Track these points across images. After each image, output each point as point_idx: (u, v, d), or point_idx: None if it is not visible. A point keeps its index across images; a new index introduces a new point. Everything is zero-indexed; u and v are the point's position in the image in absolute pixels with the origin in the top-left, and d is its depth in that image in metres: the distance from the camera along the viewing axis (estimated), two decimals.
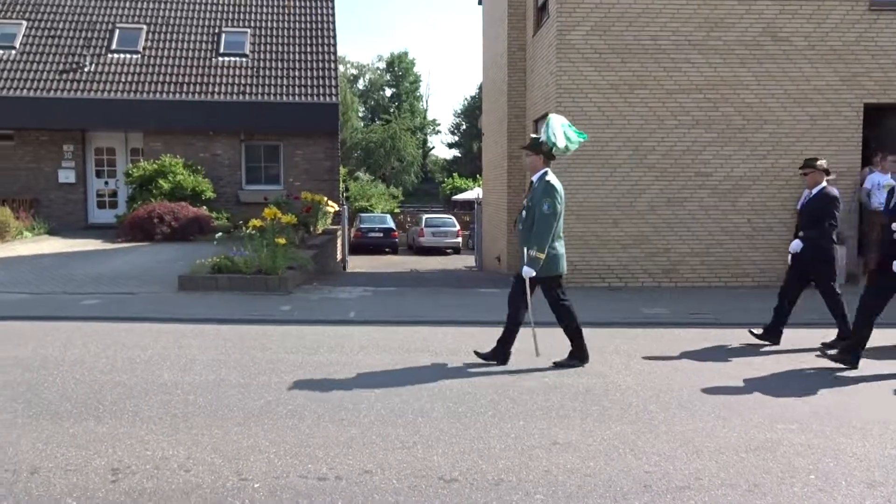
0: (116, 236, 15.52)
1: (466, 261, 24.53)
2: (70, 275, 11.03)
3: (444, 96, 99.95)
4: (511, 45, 15.02)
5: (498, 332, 7.60)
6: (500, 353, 6.33)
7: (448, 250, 30.42)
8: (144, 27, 20.23)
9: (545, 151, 6.24)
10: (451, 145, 68.26)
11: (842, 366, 6.27)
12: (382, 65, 68.76)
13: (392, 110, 62.69)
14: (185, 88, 18.82)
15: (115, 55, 19.41)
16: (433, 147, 68.88)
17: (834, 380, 5.95)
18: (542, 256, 6.05)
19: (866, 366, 6.33)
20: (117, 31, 19.94)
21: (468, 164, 57.53)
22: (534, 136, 6.38)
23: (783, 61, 11.52)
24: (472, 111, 60.69)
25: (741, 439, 4.46)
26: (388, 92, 68.38)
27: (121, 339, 7.12)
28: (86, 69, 18.81)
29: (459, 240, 31.15)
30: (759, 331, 7.39)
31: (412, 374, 6.00)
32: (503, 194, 15.51)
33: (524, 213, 6.28)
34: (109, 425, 4.57)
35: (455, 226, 31.82)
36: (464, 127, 65.06)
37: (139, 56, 19.50)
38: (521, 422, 4.75)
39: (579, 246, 11.50)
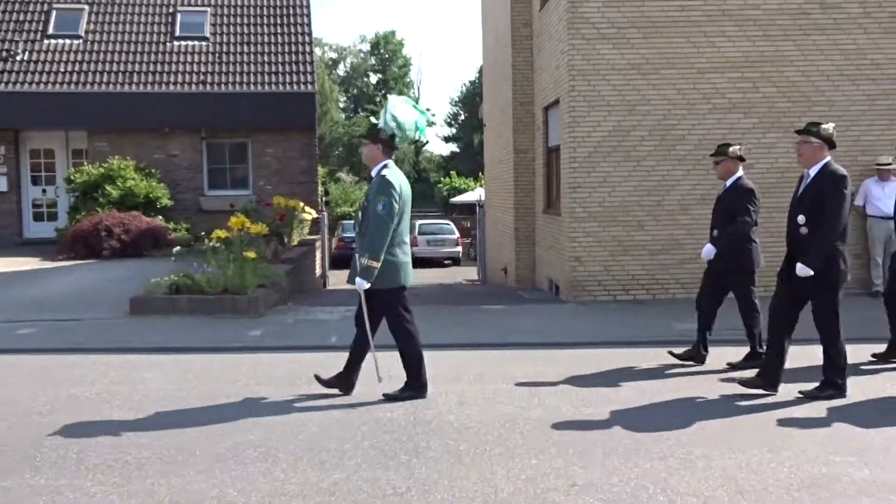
0: (57, 253, 15.52)
1: (468, 273, 24.56)
2: (2, 300, 11.03)
3: (438, 82, 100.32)
4: (515, 22, 15.08)
5: (505, 354, 7.58)
6: (345, 381, 6.24)
7: (446, 261, 30.47)
8: (86, 7, 20.32)
9: (383, 140, 6.13)
10: (447, 139, 68.50)
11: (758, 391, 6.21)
12: (366, 47, 69.09)
13: (378, 99, 62.83)
14: (135, 78, 18.89)
15: (53, 41, 19.48)
16: (427, 142, 69.00)
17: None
18: (377, 265, 5.88)
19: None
20: (54, 13, 20.02)
21: (468, 160, 57.65)
22: (373, 121, 6.24)
23: (834, 32, 11.57)
24: (471, 99, 60.88)
25: (793, 475, 4.46)
26: (374, 78, 68.66)
27: (63, 375, 7.10)
28: (18, 58, 18.87)
29: (459, 249, 31.21)
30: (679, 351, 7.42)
31: (405, 407, 5.98)
32: (510, 195, 15.54)
33: (360, 213, 6.23)
34: (49, 476, 4.55)
35: (454, 233, 31.88)
36: (462, 117, 65.28)
37: (81, 41, 19.58)
38: (534, 460, 4.74)
39: (598, 253, 11.51)
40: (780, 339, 6.24)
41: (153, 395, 6.29)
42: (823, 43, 11.59)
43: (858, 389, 6.29)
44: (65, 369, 7.26)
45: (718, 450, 4.92)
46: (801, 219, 6.17)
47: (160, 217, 16.87)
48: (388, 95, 6.40)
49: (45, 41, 19.46)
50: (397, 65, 68.16)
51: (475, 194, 34.93)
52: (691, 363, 7.32)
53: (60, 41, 19.51)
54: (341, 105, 64.50)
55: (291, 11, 21.10)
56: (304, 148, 19.65)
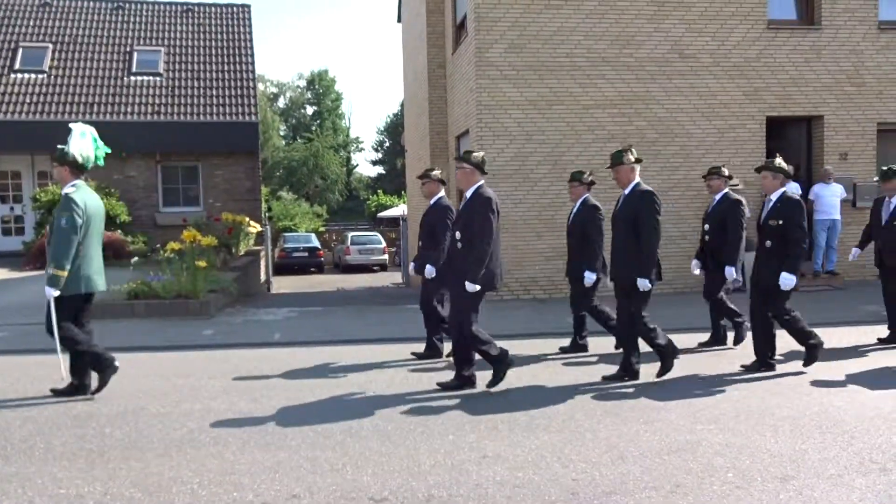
0: (24, 264, 14.80)
1: (394, 277, 24.48)
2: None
3: (366, 114, 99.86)
4: (431, 63, 15.15)
5: (419, 347, 7.57)
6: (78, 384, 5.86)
7: (375, 267, 30.30)
8: (50, 45, 19.49)
9: (70, 163, 5.88)
10: (374, 162, 68.15)
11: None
12: (303, 83, 68.17)
13: (314, 128, 62.08)
14: (95, 109, 18.18)
15: (19, 75, 18.60)
16: (357, 164, 68.55)
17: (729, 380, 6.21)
18: (64, 274, 5.58)
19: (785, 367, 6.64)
20: (20, 50, 19.14)
21: (393, 180, 57.53)
22: (61, 147, 5.97)
23: (691, 77, 12.04)
24: (394, 128, 60.80)
25: (663, 442, 4.60)
26: (310, 110, 67.77)
27: (31, 373, 6.77)
28: None
29: (386, 257, 31.08)
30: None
31: (339, 393, 5.93)
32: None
33: (48, 227, 6.19)
34: (19, 464, 4.33)
35: (381, 243, 31.72)
36: (387, 144, 65.09)
37: (45, 76, 18.75)
38: (451, 436, 4.76)
39: (503, 259, 11.64)
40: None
41: (114, 389, 6.04)
42: (683, 86, 12.04)
43: (725, 366, 6.54)
44: (33, 368, 6.93)
45: (602, 423, 5.04)
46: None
47: (119, 231, 16.27)
48: (71, 125, 6.23)
49: (13, 75, 18.56)
50: (330, 98, 67.42)
51: (399, 209, 34.87)
52: (582, 353, 7.46)
53: (26, 75, 18.64)
54: (282, 133, 63.40)
55: (237, 51, 20.69)
56: (248, 170, 19.27)
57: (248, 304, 12.24)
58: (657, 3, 11.91)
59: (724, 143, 12.13)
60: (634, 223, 6.09)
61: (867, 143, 12.57)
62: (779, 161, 6.56)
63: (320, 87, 67.10)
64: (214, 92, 19.30)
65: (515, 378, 6.35)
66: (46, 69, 18.87)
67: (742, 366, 6.60)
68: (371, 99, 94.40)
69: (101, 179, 17.57)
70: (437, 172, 7.43)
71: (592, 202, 7.50)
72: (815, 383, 6.05)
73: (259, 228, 17.56)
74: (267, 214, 28.48)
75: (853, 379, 6.22)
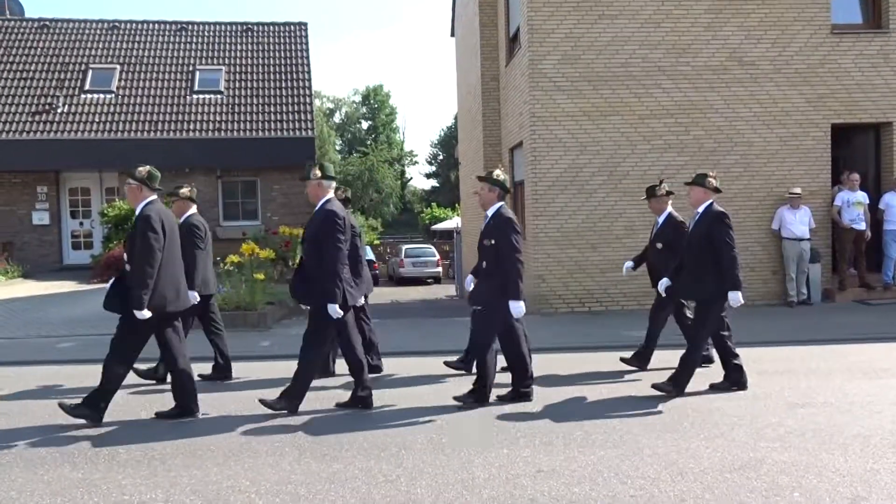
0: (92, 277, 15.32)
1: (447, 290, 24.52)
2: (45, 318, 10.86)
3: (420, 127, 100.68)
4: (484, 76, 15.19)
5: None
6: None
7: (429, 280, 30.39)
8: (118, 67, 20.23)
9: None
10: (428, 175, 68.58)
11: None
12: (358, 98, 69.21)
13: (369, 142, 62.90)
14: (159, 127, 18.80)
15: (89, 95, 19.37)
16: (411, 178, 69.12)
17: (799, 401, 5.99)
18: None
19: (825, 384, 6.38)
20: (90, 72, 19.92)
21: (446, 193, 57.74)
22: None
23: (750, 84, 11.75)
24: (448, 141, 61.11)
25: (725, 459, 4.46)
26: (365, 125, 68.72)
27: (95, 382, 6.98)
28: (59, 110, 18.74)
29: (440, 269, 31.15)
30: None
31: (393, 405, 5.94)
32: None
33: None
34: (85, 470, 4.47)
35: (435, 255, 31.83)
36: (441, 157, 65.45)
37: (113, 95, 19.47)
38: (506, 450, 4.71)
39: (558, 271, 11.55)
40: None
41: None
42: (742, 94, 11.76)
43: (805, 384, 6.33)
44: (96, 377, 7.14)
45: (662, 439, 4.92)
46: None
47: None
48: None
49: (82, 96, 19.34)
50: (385, 113, 68.26)
51: (453, 222, 34.95)
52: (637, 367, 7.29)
53: (95, 95, 19.39)
54: (337, 147, 64.41)
55: (294, 68, 21.13)
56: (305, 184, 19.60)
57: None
58: (714, 10, 11.69)
59: (787, 152, 11.79)
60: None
61: None
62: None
63: (375, 101, 68.02)
64: (273, 108, 19.73)
65: (572, 392, 6.27)
66: (114, 89, 19.60)
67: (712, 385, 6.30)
68: (425, 112, 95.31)
69: (164, 196, 18.13)
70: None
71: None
72: (888, 402, 5.79)
73: None
74: None
75: None
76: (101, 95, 19.41)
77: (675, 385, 6.09)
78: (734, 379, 6.25)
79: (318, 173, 5.88)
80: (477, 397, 5.87)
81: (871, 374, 6.71)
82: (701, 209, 6.23)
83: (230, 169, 19.17)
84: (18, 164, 18.06)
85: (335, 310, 5.58)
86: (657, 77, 11.66)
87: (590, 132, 11.64)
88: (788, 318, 10.37)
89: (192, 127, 18.92)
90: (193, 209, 7.26)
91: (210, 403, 6.01)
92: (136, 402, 6.19)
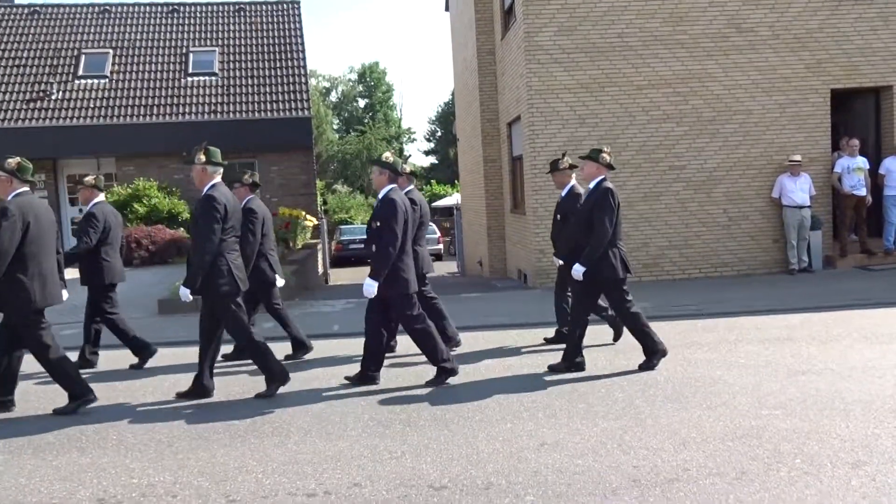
0: None
1: (449, 267, 24.52)
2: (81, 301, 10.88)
3: (417, 104, 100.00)
4: (480, 50, 15.08)
5: (477, 337, 7.59)
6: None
7: (430, 257, 30.38)
8: (111, 51, 20.09)
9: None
10: (427, 152, 68.26)
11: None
12: (354, 76, 68.70)
13: (366, 121, 62.56)
14: (154, 111, 18.71)
15: (83, 81, 19.25)
16: (410, 155, 68.71)
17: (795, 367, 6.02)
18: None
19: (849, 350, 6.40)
20: (83, 57, 19.79)
21: (445, 170, 57.56)
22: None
23: (749, 52, 11.66)
24: (446, 117, 60.76)
25: (727, 428, 4.50)
26: (362, 103, 68.29)
27: (101, 368, 7.04)
28: (53, 97, 18.64)
29: (441, 246, 31.13)
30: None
31: (397, 382, 5.98)
32: (482, 199, 15.55)
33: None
34: (93, 455, 4.52)
35: (436, 232, 31.76)
36: (439, 133, 65.12)
37: (107, 80, 19.35)
38: (509, 424, 4.76)
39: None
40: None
41: (181, 381, 6.24)
42: (741, 61, 11.66)
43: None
44: (103, 363, 7.20)
45: (663, 409, 4.96)
46: None
47: (182, 229, 16.70)
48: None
49: (76, 81, 19.22)
50: (381, 90, 67.79)
51: (453, 199, 34.91)
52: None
53: (89, 81, 19.27)
54: (335, 127, 64.08)
55: (288, 47, 20.97)
56: (303, 165, 19.55)
57: (307, 296, 12.46)
58: None
59: (786, 119, 11.72)
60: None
61: None
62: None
63: (371, 79, 67.53)
64: (268, 89, 19.60)
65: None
66: (108, 74, 19.48)
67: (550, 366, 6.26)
68: (422, 89, 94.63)
69: (163, 179, 18.13)
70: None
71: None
72: (890, 367, 5.82)
73: (315, 222, 17.80)
74: (323, 208, 28.89)
75: None
76: (95, 81, 19.29)
77: (563, 359, 6.13)
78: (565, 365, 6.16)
79: (203, 158, 5.82)
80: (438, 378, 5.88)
81: (873, 340, 6.73)
82: (592, 185, 6.19)
83: (227, 151, 18.91)
84: (15, 152, 17.92)
85: (186, 294, 5.58)
86: (654, 47, 11.57)
87: (588, 104, 11.57)
88: (790, 285, 10.39)
89: (188, 110, 18.82)
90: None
91: (215, 386, 6.05)
92: (139, 389, 6.23)
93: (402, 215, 5.75)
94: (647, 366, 6.06)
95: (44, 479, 4.13)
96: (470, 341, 7.54)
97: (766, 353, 6.42)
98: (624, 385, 5.61)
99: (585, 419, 4.79)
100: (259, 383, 5.94)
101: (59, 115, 18.32)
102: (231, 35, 21.14)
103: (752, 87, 11.68)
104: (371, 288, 5.74)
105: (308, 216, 16.82)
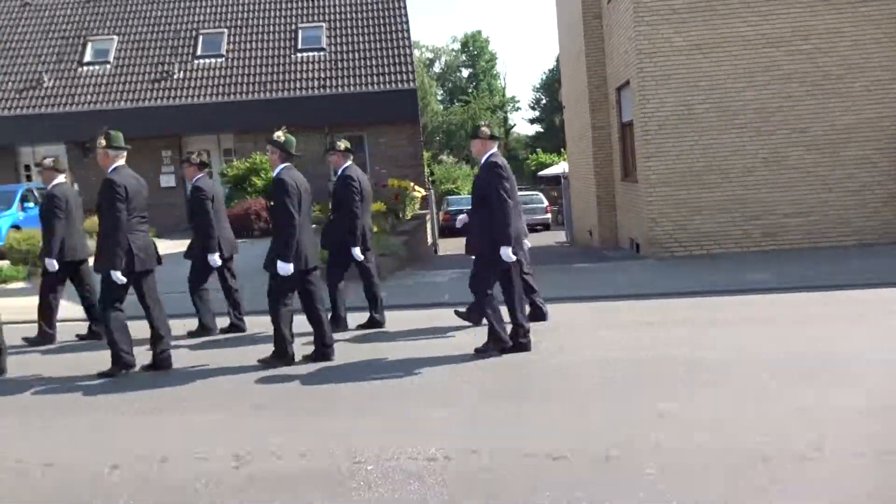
0: None
1: (557, 236, 24.29)
2: (176, 274, 11.59)
3: (521, 72, 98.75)
4: (586, 14, 14.68)
5: (604, 307, 7.50)
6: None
7: (538, 227, 30.13)
8: (225, 31, 20.95)
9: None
10: (532, 121, 67.41)
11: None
12: (457, 46, 68.50)
13: (470, 90, 62.40)
14: (267, 87, 19.41)
15: (201, 60, 20.20)
16: (514, 124, 68.20)
17: None
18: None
19: None
20: (201, 38, 20.74)
21: (551, 138, 56.68)
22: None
23: (883, 2, 10.79)
24: (550, 85, 59.70)
25: (864, 403, 4.28)
26: (465, 73, 68.10)
27: (236, 335, 7.45)
28: (175, 76, 19.67)
29: (549, 216, 30.87)
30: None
31: (511, 356, 6.01)
32: (590, 167, 15.26)
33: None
34: (229, 416, 4.83)
35: (543, 202, 31.51)
36: (544, 101, 64.09)
37: (223, 59, 20.22)
38: (631, 397, 4.71)
39: (672, 213, 11.21)
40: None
41: (306, 349, 6.44)
42: (873, 13, 10.83)
43: None
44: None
45: (789, 379, 4.77)
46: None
47: None
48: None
49: (195, 61, 20.20)
50: (485, 59, 67.29)
51: (560, 168, 34.41)
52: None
53: (207, 60, 20.21)
54: (439, 98, 64.35)
55: (392, 20, 21.17)
56: (410, 136, 19.83)
57: (417, 266, 12.67)
58: None
59: None
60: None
61: None
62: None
63: (474, 48, 67.12)
64: (374, 62, 19.91)
65: (690, 337, 6.15)
66: (224, 53, 20.35)
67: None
68: (526, 57, 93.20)
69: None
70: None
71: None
72: None
73: (423, 193, 18.05)
74: (430, 179, 29.17)
75: None
76: (213, 60, 20.19)
77: (491, 339, 5.90)
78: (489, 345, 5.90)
79: (104, 142, 6.01)
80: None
81: None
82: (482, 160, 5.99)
83: (336, 125, 19.57)
84: (143, 130, 19.11)
85: (118, 276, 5.86)
86: (774, 2, 10.91)
87: (701, 66, 11.09)
88: None
89: (297, 86, 19.42)
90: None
91: (337, 355, 6.26)
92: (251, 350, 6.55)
93: (295, 194, 5.82)
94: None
95: (186, 436, 4.46)
96: (587, 313, 7.46)
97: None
98: (741, 355, 5.42)
99: (702, 389, 4.68)
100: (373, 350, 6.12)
101: (181, 94, 19.33)
102: (337, 9, 21.53)
103: (886, 41, 10.84)
104: (286, 268, 5.82)
105: (416, 187, 17.08)
